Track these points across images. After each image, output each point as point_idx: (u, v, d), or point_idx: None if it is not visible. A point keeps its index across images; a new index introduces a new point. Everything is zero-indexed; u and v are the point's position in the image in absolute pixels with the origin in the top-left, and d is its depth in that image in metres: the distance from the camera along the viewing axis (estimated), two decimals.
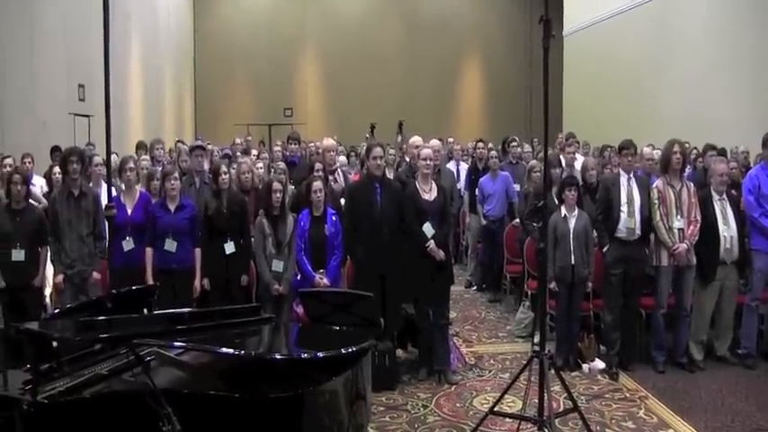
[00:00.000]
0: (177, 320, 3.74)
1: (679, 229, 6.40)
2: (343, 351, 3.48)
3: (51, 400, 3.19)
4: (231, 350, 3.51)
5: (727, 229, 6.51)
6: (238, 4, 22.67)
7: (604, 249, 6.57)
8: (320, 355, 3.41)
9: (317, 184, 6.29)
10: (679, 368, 6.52)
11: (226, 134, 17.62)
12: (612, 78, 16.85)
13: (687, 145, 8.23)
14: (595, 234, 6.65)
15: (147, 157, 8.72)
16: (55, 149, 9.42)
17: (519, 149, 10.27)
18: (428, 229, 6.13)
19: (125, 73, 14.61)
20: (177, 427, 2.81)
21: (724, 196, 6.59)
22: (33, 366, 3.25)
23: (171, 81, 19.44)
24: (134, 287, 4.68)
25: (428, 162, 6.25)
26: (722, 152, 9.15)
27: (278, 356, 3.74)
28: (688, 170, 7.28)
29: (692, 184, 6.66)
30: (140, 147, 10.30)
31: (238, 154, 10.46)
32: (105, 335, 3.29)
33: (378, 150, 6.26)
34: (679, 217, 6.41)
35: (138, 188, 6.67)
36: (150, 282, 6.00)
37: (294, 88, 22.58)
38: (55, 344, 3.32)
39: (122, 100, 14.00)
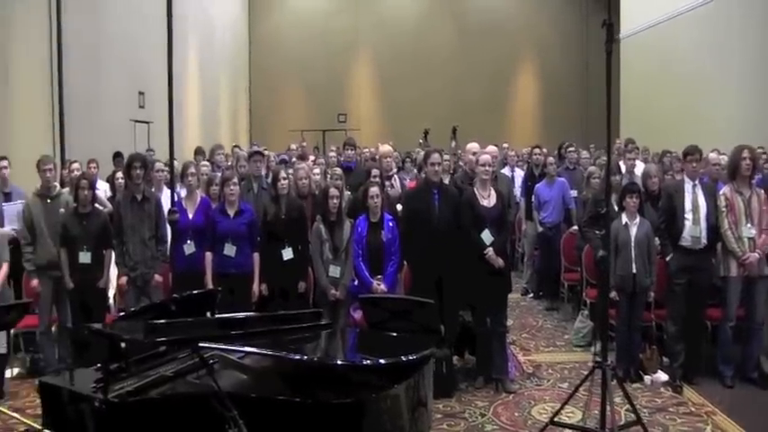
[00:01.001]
0: (240, 324, 3.77)
1: (749, 238, 6.19)
2: (404, 358, 3.47)
3: (121, 399, 3.30)
4: (294, 355, 3.53)
5: None
6: (292, 11, 22.85)
7: (668, 258, 6.42)
8: (382, 361, 3.40)
9: (374, 190, 6.28)
10: (749, 383, 6.26)
11: (280, 140, 17.75)
12: (671, 81, 16.49)
13: (760, 150, 7.97)
14: (658, 242, 6.50)
15: (207, 162, 8.83)
16: (117, 155, 9.63)
17: (576, 155, 10.15)
18: (487, 236, 6.08)
19: (182, 80, 14.85)
20: (243, 430, 2.82)
21: None
22: (104, 366, 3.36)
23: (226, 88, 19.70)
24: (196, 291, 4.77)
25: (487, 168, 6.20)
26: None
27: (340, 362, 3.74)
28: (757, 176, 7.03)
29: (762, 192, 6.40)
30: (198, 152, 10.45)
31: (294, 159, 10.53)
32: (171, 337, 3.31)
33: (436, 156, 6.23)
34: (749, 225, 6.19)
35: (199, 193, 6.78)
36: (210, 286, 6.07)
37: (348, 94, 22.67)
38: (123, 345, 3.41)
39: (180, 106, 14.22)
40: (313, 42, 22.26)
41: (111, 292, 6.79)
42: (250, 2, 22.82)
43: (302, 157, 10.77)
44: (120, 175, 8.14)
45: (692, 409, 5.77)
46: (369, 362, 3.52)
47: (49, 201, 6.49)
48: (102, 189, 8.16)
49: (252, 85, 22.55)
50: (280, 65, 22.23)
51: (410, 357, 3.47)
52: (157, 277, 6.43)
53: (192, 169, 6.70)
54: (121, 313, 6.16)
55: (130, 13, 12.34)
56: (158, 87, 12.27)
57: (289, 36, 22.45)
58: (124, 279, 6.41)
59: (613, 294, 6.22)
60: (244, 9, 22.37)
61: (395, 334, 4.09)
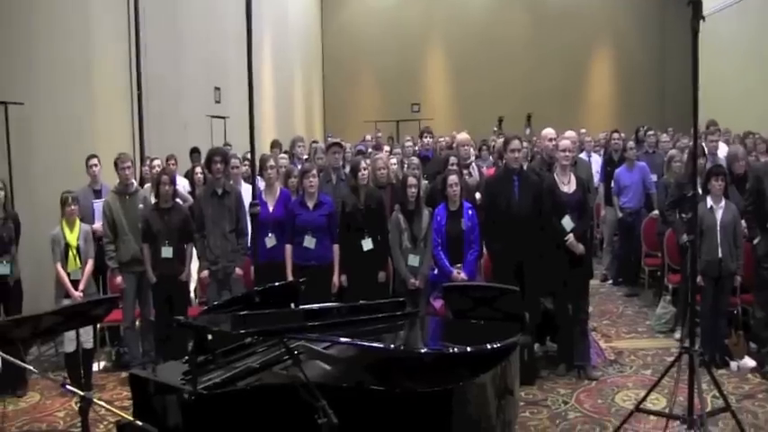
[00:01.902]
0: (325, 315, 3.83)
1: None
2: (490, 346, 3.46)
3: (209, 391, 3.35)
4: (379, 344, 3.57)
5: None
6: (364, 2, 22.93)
7: (755, 242, 6.25)
8: (469, 349, 3.41)
9: (453, 178, 6.29)
10: None
11: (354, 131, 17.91)
12: (753, 61, 15.98)
13: None
14: (744, 226, 6.34)
15: (284, 154, 8.96)
16: (194, 151, 9.84)
17: (655, 139, 9.95)
18: (567, 222, 6.04)
19: (257, 73, 14.90)
20: (334, 420, 2.86)
21: None
22: (191, 358, 3.40)
23: (300, 80, 19.92)
24: (279, 283, 4.85)
25: (567, 154, 6.16)
26: None
27: (426, 351, 3.77)
28: None
29: None
30: (275, 145, 10.61)
31: (370, 150, 10.61)
32: (258, 328, 3.38)
33: (516, 143, 6.21)
34: None
35: (278, 185, 6.86)
36: (290, 278, 6.15)
37: (421, 84, 22.63)
38: (210, 337, 3.44)
39: (255, 100, 14.46)
40: (385, 33, 22.29)
41: (192, 286, 6.94)
42: None
43: (377, 148, 10.83)
44: (199, 169, 8.32)
45: None
46: (455, 350, 3.52)
47: (127, 198, 6.62)
48: (182, 185, 8.32)
49: (325, 78, 22.74)
50: (352, 56, 22.35)
51: (496, 345, 3.47)
52: (238, 270, 6.52)
53: (272, 162, 6.81)
54: (203, 306, 6.27)
55: (207, 10, 12.56)
56: (234, 82, 12.56)
57: (361, 27, 22.55)
58: (206, 273, 6.50)
59: (699, 279, 6.09)
60: (316, 1, 22.56)
61: (479, 322, 4.09)
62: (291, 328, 3.45)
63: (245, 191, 6.81)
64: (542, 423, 5.26)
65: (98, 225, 6.84)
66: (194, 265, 6.72)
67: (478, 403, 3.38)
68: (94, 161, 7.16)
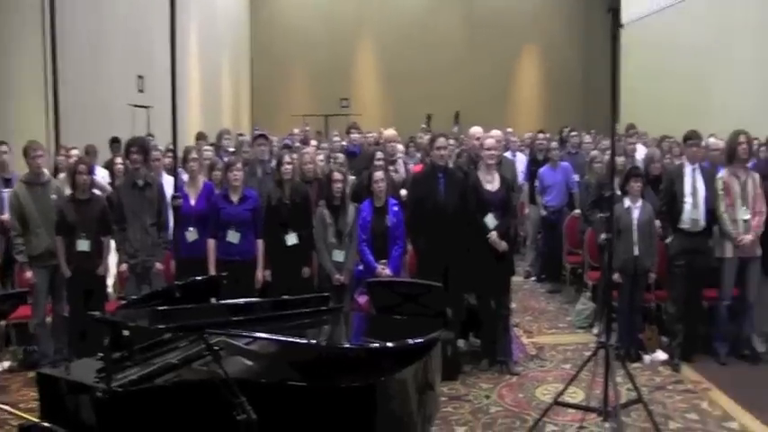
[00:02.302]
0: (247, 310, 3.80)
1: (744, 221, 6.30)
2: (412, 341, 3.48)
3: (125, 389, 3.26)
4: (302, 340, 3.56)
5: None
6: None
7: (668, 241, 6.51)
8: (391, 345, 3.41)
9: (379, 174, 6.31)
10: (742, 360, 6.45)
11: (282, 125, 17.76)
12: (671, 67, 16.52)
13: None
14: (659, 225, 6.58)
15: (210, 147, 8.82)
16: (114, 141, 9.59)
17: (578, 140, 10.20)
18: (491, 220, 6.12)
19: (183, 64, 14.65)
20: (252, 416, 2.84)
21: None
22: (106, 355, 3.31)
23: (228, 72, 19.63)
24: (200, 278, 4.75)
25: (492, 152, 6.25)
26: None
27: (348, 346, 3.77)
28: (752, 161, 7.15)
29: (756, 175, 6.52)
30: (200, 137, 10.45)
31: (297, 144, 10.55)
32: (178, 323, 3.32)
33: (442, 140, 6.28)
34: (744, 208, 6.31)
35: (201, 178, 6.72)
36: (213, 273, 6.03)
37: (351, 78, 22.61)
38: (126, 333, 3.35)
39: (181, 91, 14.10)
40: (316, 27, 22.17)
41: (110, 281, 6.68)
42: None
43: (305, 142, 10.78)
44: (119, 160, 8.08)
45: (689, 387, 5.92)
46: (377, 345, 3.51)
47: (38, 188, 6.31)
48: (101, 175, 8.09)
49: (254, 70, 22.45)
50: (282, 49, 22.12)
51: (418, 340, 3.49)
52: (158, 265, 6.35)
53: (194, 154, 6.66)
54: (121, 302, 6.05)
55: None
56: (158, 71, 12.27)
57: (292, 20, 22.34)
58: (125, 266, 6.31)
59: (616, 276, 6.27)
60: None
61: (402, 317, 4.10)
62: (212, 323, 3.38)
63: (167, 183, 6.68)
64: (464, 417, 5.33)
65: (6, 216, 6.55)
66: (112, 258, 6.50)
67: (400, 398, 3.38)
68: (4, 148, 6.88)
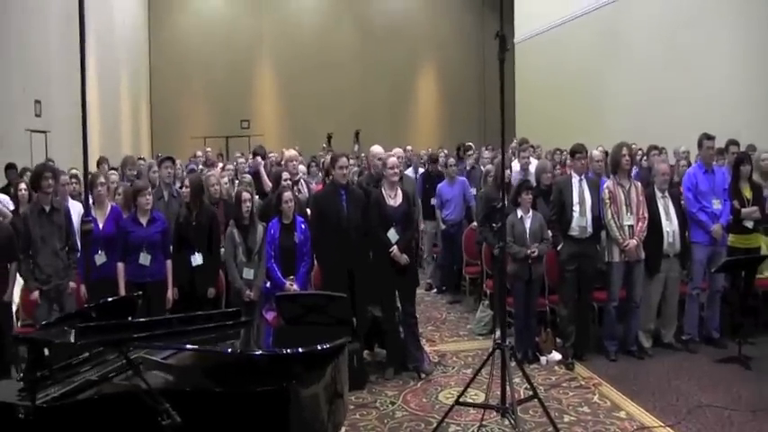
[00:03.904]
0: (165, 325, 3.90)
1: (629, 226, 6.83)
2: (320, 347, 3.69)
3: (48, 405, 3.31)
4: (216, 349, 3.75)
5: (670, 224, 6.97)
6: (194, 15, 22.58)
7: (559, 248, 6.96)
8: (300, 350, 3.62)
9: (288, 194, 6.53)
10: (629, 356, 6.98)
11: (182, 148, 17.69)
12: (561, 84, 17.38)
13: (633, 146, 8.66)
14: (550, 234, 7.01)
15: (114, 171, 8.81)
16: (9, 167, 9.42)
17: (477, 155, 10.64)
18: (393, 234, 6.45)
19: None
20: (177, 419, 3.01)
21: (666, 194, 7.04)
22: (27, 374, 3.37)
23: (127, 94, 19.36)
24: (115, 298, 4.84)
25: (394, 170, 6.57)
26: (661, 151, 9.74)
27: (261, 353, 3.94)
28: (634, 170, 7.74)
29: (639, 184, 7.09)
30: (102, 162, 10.38)
31: (200, 167, 10.63)
32: (102, 339, 3.43)
33: (343, 160, 6.56)
34: (629, 215, 6.83)
35: (108, 202, 6.80)
36: (123, 294, 6.08)
37: (251, 99, 22.64)
38: (46, 352, 3.41)
39: (78, 114, 13.91)
40: (216, 48, 22.12)
41: (15, 307, 6.56)
42: (150, 3, 22.37)
43: (211, 165, 10.87)
44: (23, 186, 7.97)
45: (582, 383, 6.37)
46: (287, 351, 3.70)
47: None
48: (3, 201, 7.95)
49: (153, 92, 22.19)
50: (182, 71, 21.97)
51: (325, 346, 3.70)
52: (72, 284, 6.37)
53: (102, 179, 6.74)
54: (29, 329, 6.02)
55: (27, 20, 11.97)
56: (56, 95, 12.06)
57: (191, 40, 22.20)
58: (36, 293, 6.25)
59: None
60: (143, 9, 21.89)
61: (310, 327, 4.32)
62: (134, 338, 3.50)
63: (74, 207, 6.70)
64: (371, 423, 5.57)
65: None
66: (18, 284, 6.42)
67: (312, 404, 3.58)
68: None
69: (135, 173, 9.18)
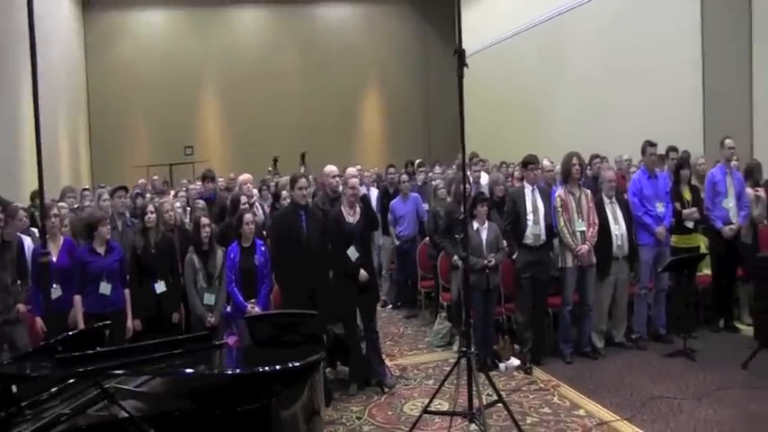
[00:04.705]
0: (136, 353, 3.89)
1: (581, 232, 7.08)
2: (297, 363, 3.70)
3: None
4: (192, 371, 3.77)
5: (618, 228, 7.26)
6: (133, 39, 22.11)
7: (514, 257, 7.15)
8: (278, 367, 3.65)
9: (249, 217, 6.60)
10: (584, 357, 7.26)
11: (124, 177, 17.29)
12: (507, 98, 17.75)
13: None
14: (505, 244, 7.20)
15: (64, 203, 8.70)
16: None
17: (428, 171, 10.83)
18: (353, 252, 6.56)
19: (16, 117, 14.15)
20: None
21: (613, 199, 7.32)
22: None
23: (65, 124, 18.86)
24: (81, 329, 4.76)
25: (354, 190, 6.69)
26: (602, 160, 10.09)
27: (240, 371, 3.97)
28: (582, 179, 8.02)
29: (588, 191, 7.36)
30: (34, 196, 10.17)
31: (148, 195, 10.56)
32: (82, 369, 3.41)
33: (303, 181, 6.63)
34: (580, 221, 7.08)
35: (60, 235, 6.71)
36: (82, 327, 6.00)
37: (194, 125, 22.32)
38: (14, 389, 3.35)
39: (16, 145, 13.66)
40: (157, 73, 21.70)
41: None
42: (86, 26, 21.79)
43: (161, 192, 10.80)
44: None
45: (541, 386, 6.61)
46: (266, 368, 3.70)
47: None
48: None
49: (92, 121, 21.65)
50: (122, 98, 21.45)
51: (303, 362, 3.72)
52: (21, 307, 6.14)
53: (55, 210, 6.66)
54: None
55: None
56: None
57: (131, 67, 21.67)
58: None
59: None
60: (79, 35, 21.35)
61: (282, 346, 4.35)
62: (119, 365, 3.50)
63: (25, 241, 6.62)
64: None
65: None
66: None
67: (292, 422, 3.61)
68: None
69: (76, 205, 9.08)
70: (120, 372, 3.57)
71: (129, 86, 21.60)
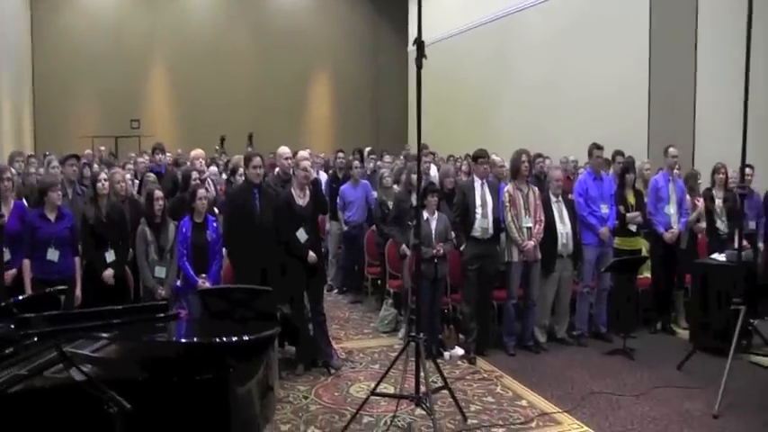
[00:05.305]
0: (92, 318, 3.88)
1: (527, 228, 7.25)
2: (253, 337, 3.76)
3: None
4: (152, 338, 3.81)
5: (564, 226, 7.47)
6: (82, 11, 21.66)
7: (462, 248, 7.30)
8: (235, 339, 3.70)
9: (202, 192, 6.61)
10: (527, 350, 7.45)
11: (69, 147, 16.91)
12: (456, 93, 17.93)
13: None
14: (453, 235, 7.33)
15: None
16: None
17: (376, 161, 10.92)
18: (301, 234, 6.63)
19: None
20: (126, 405, 2.99)
21: (560, 198, 7.53)
22: None
23: (8, 92, 18.45)
24: (37, 293, 4.71)
25: (307, 173, 6.73)
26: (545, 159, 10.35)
27: (197, 341, 3.99)
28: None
29: (536, 188, 7.54)
30: None
31: (95, 166, 10.41)
32: (41, 330, 3.40)
33: (257, 160, 6.68)
34: (527, 217, 7.26)
35: (11, 198, 6.59)
36: (29, 292, 5.92)
37: (142, 99, 22.00)
38: None
39: None
40: (105, 45, 21.32)
41: None
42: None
43: (109, 164, 10.66)
44: None
45: (485, 376, 6.77)
46: (223, 339, 3.72)
47: None
48: None
49: (36, 90, 21.15)
50: (68, 68, 21.01)
51: (258, 335, 3.79)
52: None
53: (8, 173, 6.55)
54: None
55: None
56: None
57: (78, 38, 21.26)
58: None
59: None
60: (25, 3, 20.81)
61: (235, 322, 4.37)
62: (83, 328, 3.53)
63: None
64: (287, 416, 5.73)
65: None
66: None
67: (248, 397, 3.65)
68: None
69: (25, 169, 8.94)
70: (81, 334, 3.57)
71: (77, 57, 21.17)
